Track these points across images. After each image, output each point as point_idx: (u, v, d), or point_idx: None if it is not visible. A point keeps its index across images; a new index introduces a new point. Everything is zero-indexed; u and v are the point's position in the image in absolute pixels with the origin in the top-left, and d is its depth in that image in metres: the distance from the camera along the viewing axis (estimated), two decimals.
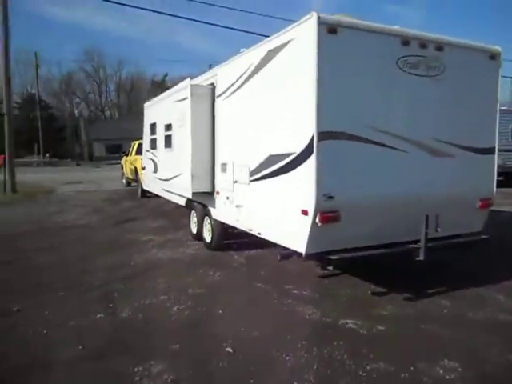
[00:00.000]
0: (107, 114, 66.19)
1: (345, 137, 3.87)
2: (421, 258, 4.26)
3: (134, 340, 3.58)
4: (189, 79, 6.11)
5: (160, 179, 8.11)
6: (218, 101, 5.82)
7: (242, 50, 5.20)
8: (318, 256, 4.12)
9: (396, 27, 4.27)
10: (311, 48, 3.69)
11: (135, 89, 64.57)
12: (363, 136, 3.95)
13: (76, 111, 61.78)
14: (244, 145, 5.16)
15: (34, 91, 45.67)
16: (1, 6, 13.69)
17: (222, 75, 5.72)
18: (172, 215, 9.83)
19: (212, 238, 6.39)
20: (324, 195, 3.81)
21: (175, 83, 9.48)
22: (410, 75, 4.16)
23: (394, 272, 5.11)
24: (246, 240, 6.40)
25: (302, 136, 3.86)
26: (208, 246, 6.54)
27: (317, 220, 3.82)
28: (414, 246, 4.26)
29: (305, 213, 3.88)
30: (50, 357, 3.29)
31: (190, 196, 6.05)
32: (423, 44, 4.19)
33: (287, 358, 3.24)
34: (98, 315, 4.06)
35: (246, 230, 5.21)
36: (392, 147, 4.12)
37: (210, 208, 6.31)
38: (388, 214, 4.19)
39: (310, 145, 3.78)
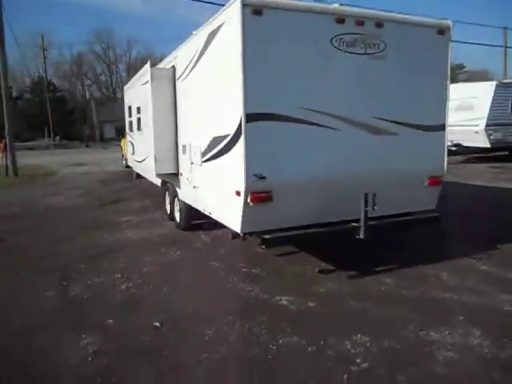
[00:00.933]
0: (118, 95, 66.49)
1: (275, 118, 3.91)
2: (361, 236, 4.33)
3: (73, 316, 3.81)
4: (149, 62, 6.17)
5: (136, 161, 8.29)
6: (177, 83, 5.89)
7: (194, 31, 5.22)
8: (258, 235, 4.24)
9: (334, 5, 4.22)
10: (237, 31, 3.71)
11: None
12: (295, 116, 3.99)
13: (87, 93, 62.31)
14: (196, 127, 5.25)
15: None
16: None
17: (180, 57, 5.76)
18: (159, 196, 10.04)
19: (180, 218, 6.56)
20: (254, 175, 3.89)
21: None
22: (346, 53, 4.14)
23: (346, 250, 5.19)
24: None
25: (234, 118, 3.92)
26: (178, 226, 6.72)
27: (248, 200, 3.93)
28: (355, 224, 4.33)
29: (238, 193, 3.98)
30: None
31: (155, 177, 6.20)
32: (360, 21, 4.14)
33: (208, 331, 3.41)
34: (48, 293, 4.31)
35: (201, 210, 5.35)
36: (326, 126, 4.14)
37: (177, 189, 6.46)
38: (324, 194, 4.25)
39: (240, 126, 3.84)
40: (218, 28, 4.18)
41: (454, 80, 15.20)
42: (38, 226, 7.34)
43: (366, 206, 4.22)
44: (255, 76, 3.78)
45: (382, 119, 4.41)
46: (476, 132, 13.78)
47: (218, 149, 4.43)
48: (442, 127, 4.78)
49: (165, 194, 7.51)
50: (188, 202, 6.02)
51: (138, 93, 7.11)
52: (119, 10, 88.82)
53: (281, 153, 4.00)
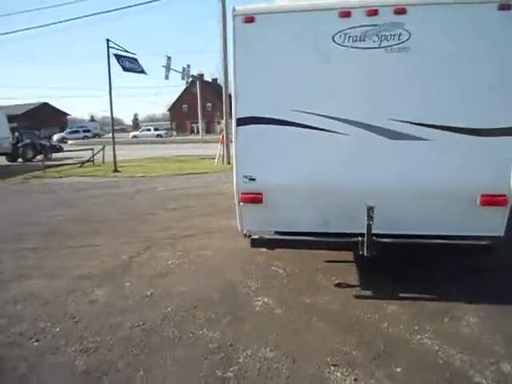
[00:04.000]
0: None
1: (267, 121, 3.92)
2: (364, 253, 3.87)
3: None
4: None
5: None
6: None
7: None
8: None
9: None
10: (232, 40, 3.95)
11: None
12: (288, 119, 3.89)
13: None
14: None
15: None
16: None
17: None
18: None
19: None
20: (244, 177, 4.06)
21: None
22: (353, 49, 3.73)
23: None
24: None
25: (234, 122, 4.16)
26: None
27: (240, 200, 4.13)
28: (356, 239, 3.90)
29: (236, 192, 4.22)
30: None
31: None
32: (372, 12, 3.65)
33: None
34: None
35: None
36: (327, 130, 3.85)
37: None
38: (325, 202, 3.98)
39: (235, 130, 4.07)
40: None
41: None
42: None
43: (369, 220, 3.75)
44: (247, 82, 3.92)
45: (404, 121, 3.74)
46: None
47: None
48: (508, 131, 3.64)
49: None
50: None
51: None
52: None
53: (273, 156, 4.00)
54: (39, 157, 24.11)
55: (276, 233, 4.34)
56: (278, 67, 3.90)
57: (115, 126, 21.79)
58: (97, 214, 8.37)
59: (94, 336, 3.45)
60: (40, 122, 50.68)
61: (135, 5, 32.14)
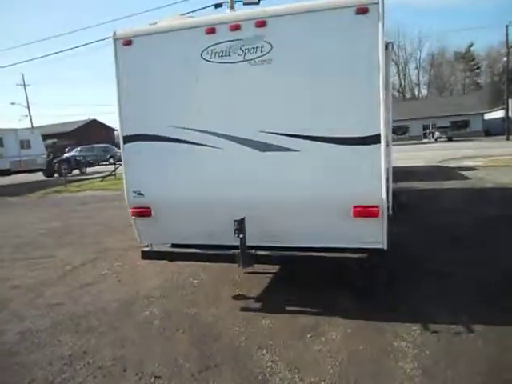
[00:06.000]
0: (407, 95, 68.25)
1: (146, 138, 4.06)
2: (240, 264, 3.88)
3: None
4: None
5: None
6: None
7: None
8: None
9: (207, 16, 3.94)
10: (114, 62, 4.15)
11: (436, 65, 64.25)
12: (167, 136, 4.00)
13: None
14: None
15: None
16: None
17: None
18: None
19: None
20: (134, 192, 4.22)
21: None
22: (220, 64, 3.78)
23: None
24: None
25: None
26: None
27: (131, 214, 4.30)
28: (234, 252, 3.91)
29: (128, 207, 4.38)
30: None
31: None
32: (234, 26, 3.70)
33: None
34: None
35: None
36: (201, 144, 3.91)
37: None
38: (206, 215, 4.02)
39: (122, 147, 4.25)
40: None
41: None
42: None
43: (240, 233, 3.76)
44: (129, 102, 4.08)
45: (273, 133, 3.71)
46: None
47: None
48: (374, 139, 3.50)
49: None
50: None
51: None
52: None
53: (156, 171, 4.11)
54: (76, 171, 25.95)
55: (173, 245, 4.44)
56: (155, 86, 4.04)
57: None
58: (79, 226, 8.89)
59: None
60: (89, 138, 54.05)
61: None
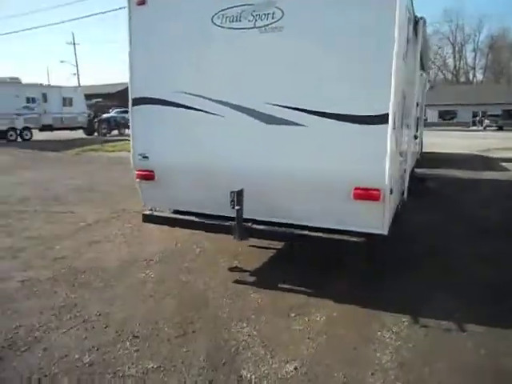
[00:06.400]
0: (461, 78, 64.74)
1: (153, 102, 4.04)
2: (235, 237, 3.85)
3: None
4: None
5: None
6: None
7: None
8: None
9: None
10: (127, 22, 4.09)
11: (495, 48, 59.95)
12: (170, 100, 3.95)
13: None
14: None
15: None
16: None
17: None
18: None
19: None
20: (139, 155, 4.24)
21: None
22: (230, 30, 3.63)
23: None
24: None
25: None
26: None
27: (136, 176, 4.34)
28: (229, 223, 3.87)
29: (133, 170, 4.42)
30: None
31: None
32: None
33: None
34: None
35: None
36: (204, 111, 3.83)
37: None
38: (209, 183, 3.98)
39: (131, 110, 4.25)
40: None
41: None
42: None
43: (237, 204, 3.71)
44: (138, 63, 4.05)
45: (279, 105, 3.57)
46: None
47: None
48: (382, 119, 3.28)
49: None
50: None
51: None
52: None
53: (162, 135, 4.09)
54: (115, 131, 26.65)
55: (175, 211, 4.46)
56: (165, 49, 3.97)
57: None
58: (105, 185, 9.15)
59: None
60: None
61: None
